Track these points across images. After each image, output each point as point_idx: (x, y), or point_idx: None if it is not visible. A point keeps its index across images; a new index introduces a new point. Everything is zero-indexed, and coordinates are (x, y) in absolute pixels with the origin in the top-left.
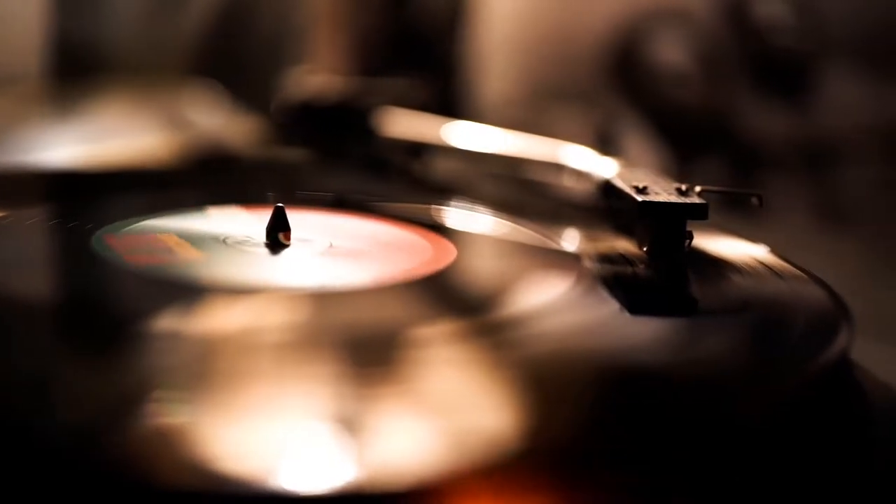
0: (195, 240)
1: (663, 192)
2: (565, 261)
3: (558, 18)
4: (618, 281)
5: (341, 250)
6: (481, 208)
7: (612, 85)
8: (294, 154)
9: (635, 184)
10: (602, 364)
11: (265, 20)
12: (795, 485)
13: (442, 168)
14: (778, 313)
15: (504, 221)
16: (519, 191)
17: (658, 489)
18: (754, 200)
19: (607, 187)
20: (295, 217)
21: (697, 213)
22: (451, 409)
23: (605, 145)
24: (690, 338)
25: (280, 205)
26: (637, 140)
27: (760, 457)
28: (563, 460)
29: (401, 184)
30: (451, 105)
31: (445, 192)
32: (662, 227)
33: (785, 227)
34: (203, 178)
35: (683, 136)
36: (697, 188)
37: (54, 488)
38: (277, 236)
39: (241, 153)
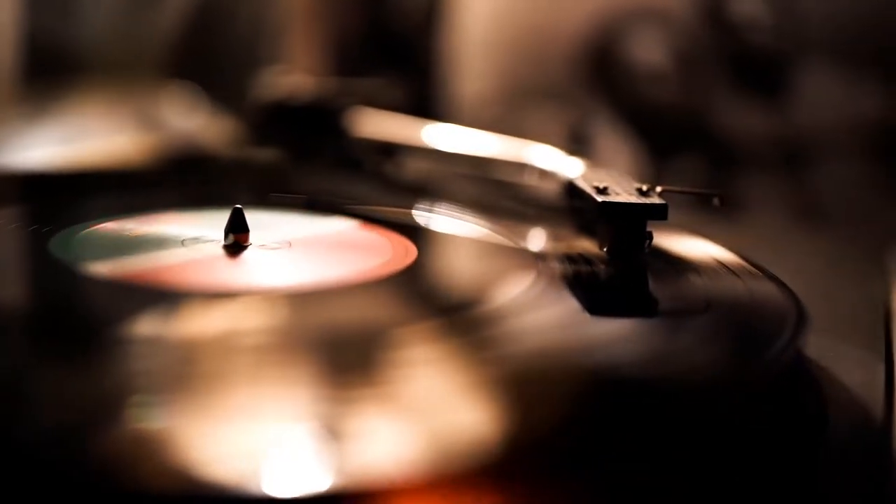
0: (153, 242)
1: (624, 192)
2: (527, 260)
3: (535, 17)
4: (578, 281)
5: (300, 252)
6: (449, 208)
7: (589, 84)
8: (267, 155)
9: (596, 184)
10: (562, 365)
11: (241, 20)
12: (753, 477)
13: (413, 168)
14: (733, 312)
15: (469, 221)
16: (488, 191)
17: (626, 487)
18: (716, 201)
19: (570, 187)
20: (257, 218)
21: (657, 214)
22: (422, 410)
23: (581, 144)
24: (647, 337)
25: (238, 206)
26: (613, 139)
27: (717, 452)
28: (538, 461)
29: (371, 184)
30: (427, 104)
31: (414, 192)
32: (622, 228)
33: (761, 225)
34: (175, 180)
35: (660, 134)
36: (658, 188)
37: (35, 495)
38: (235, 238)
39: (215, 154)
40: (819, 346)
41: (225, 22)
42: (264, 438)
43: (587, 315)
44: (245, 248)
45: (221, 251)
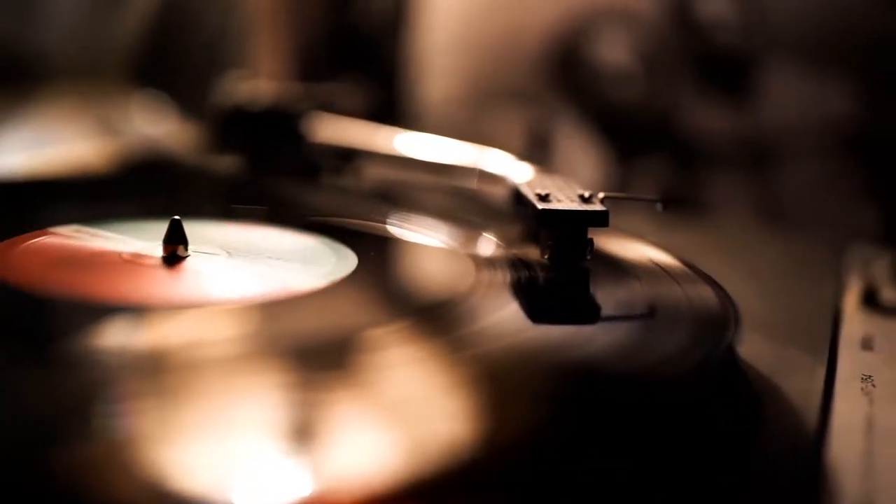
0: (93, 254)
1: (566, 199)
2: (472, 267)
3: (501, 19)
4: (521, 288)
5: (238, 263)
6: (400, 214)
7: (555, 85)
8: (226, 161)
9: (539, 191)
10: (507, 371)
11: (205, 25)
12: (681, 479)
13: (371, 173)
14: (669, 315)
15: (419, 227)
16: (441, 196)
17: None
18: (658, 206)
19: (516, 194)
20: (204, 228)
21: (598, 221)
22: (386, 416)
23: (542, 147)
24: (586, 340)
25: (176, 217)
26: (579, 140)
27: (647, 453)
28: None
29: (326, 191)
30: (393, 107)
31: (368, 199)
32: (562, 235)
33: (726, 226)
34: (135, 187)
35: (626, 135)
36: (601, 195)
37: None
38: (174, 249)
39: (177, 161)
40: (763, 351)
41: (189, 27)
42: (234, 450)
43: (528, 321)
44: (183, 258)
45: (159, 262)
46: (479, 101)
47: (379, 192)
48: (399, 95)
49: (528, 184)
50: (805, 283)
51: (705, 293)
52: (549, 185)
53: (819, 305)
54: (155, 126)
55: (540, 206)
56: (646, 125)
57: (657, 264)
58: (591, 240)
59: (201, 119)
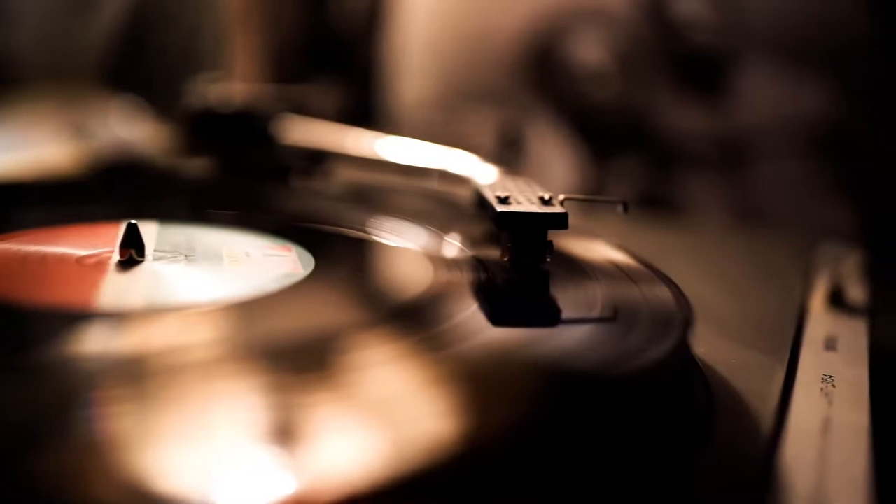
0: (51, 258)
1: (526, 201)
2: (429, 267)
3: (477, 20)
4: (480, 289)
5: (197, 265)
6: (366, 216)
7: (530, 85)
8: (196, 163)
9: (499, 193)
10: (457, 372)
11: (178, 27)
12: (635, 472)
13: (341, 175)
14: (623, 315)
15: (383, 229)
16: (408, 198)
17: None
18: (619, 208)
19: (478, 196)
20: (162, 231)
21: (557, 223)
22: (355, 418)
23: (513, 147)
24: (538, 341)
25: (132, 221)
26: (554, 140)
27: (600, 450)
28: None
29: (293, 192)
30: (368, 108)
31: (336, 200)
32: (521, 237)
33: (701, 224)
34: (103, 191)
35: (601, 134)
36: (561, 197)
37: None
38: (130, 253)
39: (148, 163)
40: (723, 352)
41: (162, 30)
42: (210, 453)
43: (486, 323)
44: (139, 262)
45: (113, 266)
46: (454, 101)
47: (346, 193)
48: (374, 96)
49: (491, 186)
50: (773, 283)
51: (661, 293)
52: (510, 187)
53: (785, 305)
54: (127, 129)
55: (499, 208)
56: (621, 125)
57: (615, 265)
58: (551, 242)
59: (174, 121)
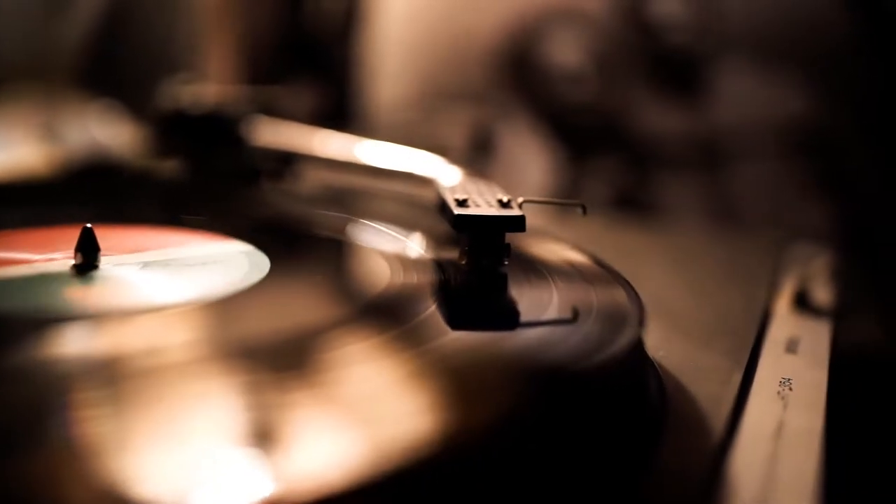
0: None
1: (484, 204)
2: (388, 269)
3: (453, 20)
4: (438, 291)
5: (152, 269)
6: (331, 217)
7: (507, 86)
8: (166, 165)
9: (458, 196)
10: (412, 375)
11: (153, 29)
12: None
13: (310, 177)
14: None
15: (348, 230)
16: (375, 199)
17: None
18: (579, 210)
19: (439, 198)
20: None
21: (514, 226)
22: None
23: (485, 149)
24: (492, 342)
25: (88, 226)
26: (530, 141)
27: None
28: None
29: (261, 194)
30: (343, 109)
31: (303, 202)
32: (478, 240)
33: (674, 225)
34: (74, 193)
35: (578, 135)
36: (520, 199)
37: None
38: (86, 258)
39: (120, 166)
40: (682, 355)
41: (136, 31)
42: (189, 454)
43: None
44: (95, 267)
45: (68, 270)
46: (430, 102)
47: (314, 195)
48: (350, 97)
49: (451, 188)
50: (739, 285)
51: (616, 295)
52: (470, 189)
53: (750, 307)
54: (102, 130)
55: (456, 210)
56: (597, 126)
57: (573, 266)
58: (509, 245)
59: (146, 123)
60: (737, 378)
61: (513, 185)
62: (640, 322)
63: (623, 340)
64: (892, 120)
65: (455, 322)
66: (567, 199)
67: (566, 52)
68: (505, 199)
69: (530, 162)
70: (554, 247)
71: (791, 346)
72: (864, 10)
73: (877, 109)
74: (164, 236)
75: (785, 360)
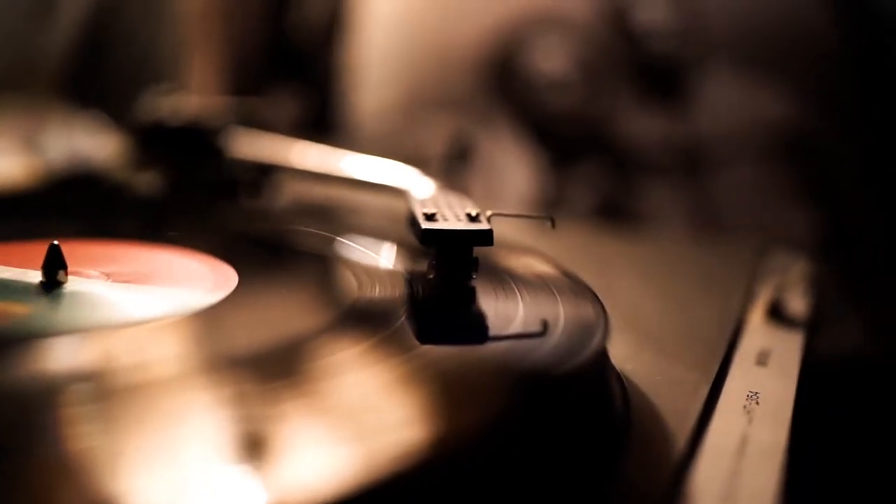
0: None
1: (453, 217)
2: (356, 282)
3: (438, 28)
4: (406, 305)
5: (117, 286)
6: (304, 230)
7: (491, 93)
8: (145, 177)
9: (426, 209)
10: (379, 391)
11: (136, 39)
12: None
13: (288, 189)
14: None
15: (320, 244)
16: (349, 212)
17: None
18: (548, 223)
19: (409, 212)
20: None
21: (481, 240)
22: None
23: (467, 157)
24: (468, 355)
25: (55, 243)
26: (514, 148)
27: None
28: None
29: (236, 207)
30: (327, 118)
31: (278, 215)
32: (446, 254)
33: (656, 234)
34: (53, 205)
35: (562, 143)
36: (489, 213)
37: None
38: (53, 274)
39: (101, 177)
40: (650, 367)
41: (120, 41)
42: (182, 469)
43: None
44: (61, 284)
45: (38, 288)
46: (414, 110)
47: (289, 209)
48: (333, 106)
49: (421, 201)
50: (715, 295)
51: (582, 308)
52: (441, 202)
53: (724, 318)
54: (84, 141)
55: (424, 225)
56: (582, 133)
57: (542, 278)
58: (476, 259)
59: (126, 134)
60: (704, 391)
61: (496, 193)
62: (605, 335)
63: (586, 354)
64: (873, 125)
65: (422, 336)
66: (536, 213)
67: (550, 60)
68: (474, 213)
69: (514, 170)
70: (524, 259)
71: (762, 359)
72: (846, 17)
73: (859, 115)
74: (136, 252)
75: (755, 372)
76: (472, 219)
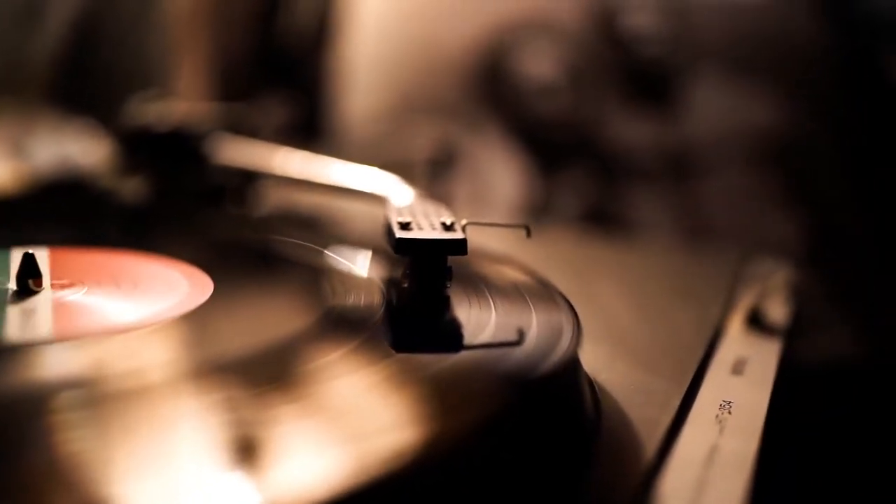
0: None
1: (428, 226)
2: (331, 289)
3: (426, 33)
4: (384, 314)
5: (96, 294)
6: (283, 238)
7: (479, 98)
8: (130, 183)
9: (401, 218)
10: (349, 399)
11: (124, 44)
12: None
13: (273, 195)
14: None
15: (299, 251)
16: (332, 221)
17: None
18: (524, 232)
19: (385, 221)
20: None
21: (455, 249)
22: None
23: (451, 162)
24: (438, 364)
25: (29, 251)
26: (502, 153)
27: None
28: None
29: (219, 214)
30: (315, 123)
31: (259, 222)
32: (419, 263)
33: (640, 241)
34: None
35: (550, 148)
36: (463, 222)
37: None
38: (27, 283)
39: (87, 184)
40: (624, 376)
41: (107, 46)
42: (174, 474)
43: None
44: (37, 292)
45: (13, 297)
46: (403, 115)
47: (270, 217)
48: (322, 111)
49: (398, 210)
50: (694, 303)
51: (555, 317)
52: (417, 211)
53: (702, 326)
54: (72, 147)
55: (398, 234)
56: (570, 139)
57: (517, 286)
58: (450, 267)
59: (112, 140)
60: (677, 400)
61: (482, 198)
62: (576, 343)
63: (556, 362)
64: (861, 132)
65: (396, 344)
66: (515, 221)
67: (539, 65)
68: (448, 222)
69: (501, 175)
70: (500, 267)
71: (738, 368)
72: (834, 24)
73: (847, 122)
74: (114, 260)
75: (729, 381)
76: (447, 228)
